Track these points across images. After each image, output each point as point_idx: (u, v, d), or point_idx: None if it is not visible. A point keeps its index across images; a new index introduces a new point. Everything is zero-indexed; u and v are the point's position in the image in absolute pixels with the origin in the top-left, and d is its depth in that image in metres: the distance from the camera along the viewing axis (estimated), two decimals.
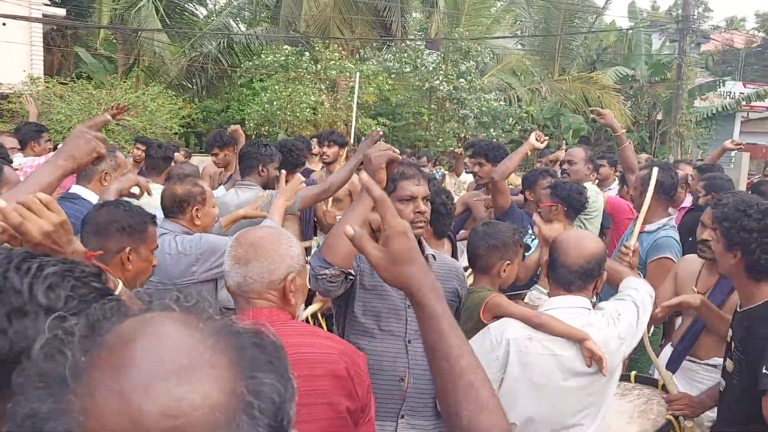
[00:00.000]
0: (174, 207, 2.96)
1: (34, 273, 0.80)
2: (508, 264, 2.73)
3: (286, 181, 3.30)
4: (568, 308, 2.28)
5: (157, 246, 2.38)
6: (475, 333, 2.38)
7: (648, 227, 3.90)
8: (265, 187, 3.77)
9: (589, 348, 2.19)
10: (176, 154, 6.02)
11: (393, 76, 16.75)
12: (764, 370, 2.26)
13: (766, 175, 7.18)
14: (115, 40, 17.01)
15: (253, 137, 12.64)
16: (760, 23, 33.36)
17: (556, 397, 2.24)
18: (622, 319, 2.32)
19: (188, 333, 0.59)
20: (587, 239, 2.38)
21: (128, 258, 2.21)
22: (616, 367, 2.37)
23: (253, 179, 3.78)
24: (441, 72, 16.21)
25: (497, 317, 2.40)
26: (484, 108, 16.28)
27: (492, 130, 16.12)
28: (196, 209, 2.96)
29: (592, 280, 2.30)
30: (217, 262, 2.78)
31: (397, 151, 2.17)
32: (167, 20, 15.98)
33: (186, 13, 17.66)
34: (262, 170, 3.80)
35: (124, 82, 13.84)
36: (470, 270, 2.99)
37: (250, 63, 16.08)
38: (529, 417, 2.25)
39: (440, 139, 16.23)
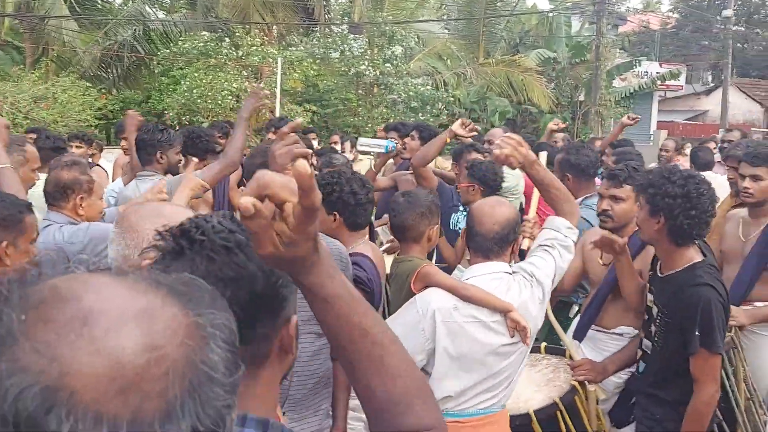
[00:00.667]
0: (57, 193, 2.78)
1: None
2: (436, 227, 2.76)
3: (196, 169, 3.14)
4: (490, 274, 2.33)
5: (38, 235, 2.24)
6: (405, 302, 2.39)
7: None
8: (167, 174, 3.59)
9: (514, 319, 2.23)
10: (80, 149, 5.75)
11: (318, 61, 16.55)
12: (696, 333, 2.38)
13: (683, 153, 7.45)
14: (21, 30, 16.08)
15: (176, 127, 12.25)
16: (674, 5, 34.73)
17: (483, 363, 2.27)
18: (537, 279, 2.35)
19: (125, 284, 0.59)
20: (501, 206, 2.42)
21: (6, 252, 2.08)
22: (537, 331, 2.42)
23: (153, 168, 3.59)
24: (367, 57, 16.13)
25: (428, 287, 2.40)
26: (411, 93, 16.34)
27: (421, 114, 16.20)
28: (81, 198, 2.79)
29: (508, 245, 2.36)
30: (107, 250, 2.63)
31: (305, 145, 2.01)
32: (77, 8, 15.20)
33: (98, 0, 16.88)
34: (161, 157, 3.60)
35: (32, 73, 13.10)
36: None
37: (168, 51, 15.51)
38: (461, 385, 2.27)
39: (369, 125, 16.18)
